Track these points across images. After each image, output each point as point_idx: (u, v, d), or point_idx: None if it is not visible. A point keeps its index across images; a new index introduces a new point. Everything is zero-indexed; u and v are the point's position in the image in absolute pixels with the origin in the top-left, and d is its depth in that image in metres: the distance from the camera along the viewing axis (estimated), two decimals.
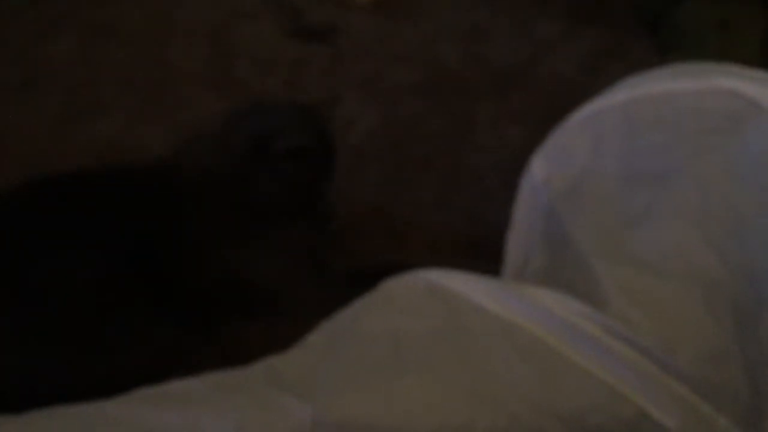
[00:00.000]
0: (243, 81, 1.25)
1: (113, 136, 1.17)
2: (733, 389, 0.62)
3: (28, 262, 0.84)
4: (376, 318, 0.65)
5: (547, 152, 0.77)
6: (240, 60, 1.28)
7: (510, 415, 0.59)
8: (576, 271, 0.68)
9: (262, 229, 0.95)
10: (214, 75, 1.25)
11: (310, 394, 0.60)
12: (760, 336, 0.62)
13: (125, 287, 0.86)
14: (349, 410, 0.59)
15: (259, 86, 1.24)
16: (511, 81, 1.25)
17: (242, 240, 0.93)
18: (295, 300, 0.94)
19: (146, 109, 1.21)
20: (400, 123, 1.20)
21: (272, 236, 0.95)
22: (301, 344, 0.67)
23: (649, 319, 0.62)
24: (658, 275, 0.64)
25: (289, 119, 0.99)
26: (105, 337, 0.85)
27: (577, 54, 1.28)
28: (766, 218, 0.64)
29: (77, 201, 0.89)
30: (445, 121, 1.21)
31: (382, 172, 1.14)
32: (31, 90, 1.22)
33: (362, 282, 0.72)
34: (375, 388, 0.60)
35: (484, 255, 0.89)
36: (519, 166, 0.83)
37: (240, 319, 0.93)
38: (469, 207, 1.11)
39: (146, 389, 0.63)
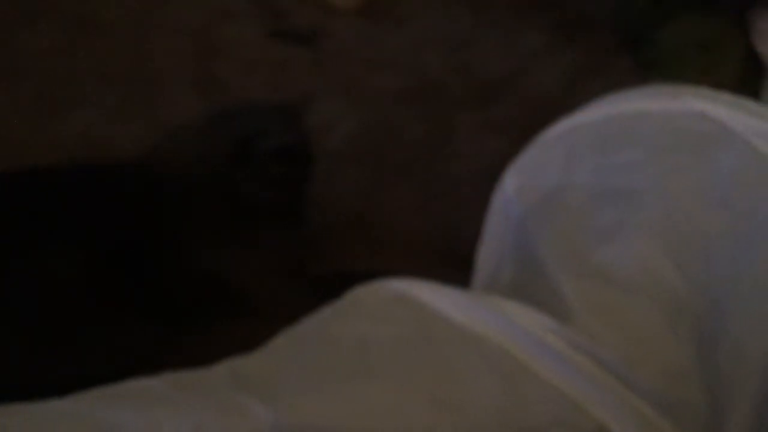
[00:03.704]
0: (224, 81, 1.25)
1: (89, 131, 1.16)
2: (693, 408, 0.62)
3: None
4: (343, 323, 0.65)
5: (520, 166, 0.78)
6: (221, 60, 1.27)
7: (472, 425, 0.60)
8: (542, 285, 0.68)
9: (240, 230, 0.95)
10: (195, 73, 1.25)
11: (272, 396, 0.60)
12: (720, 358, 0.62)
13: (96, 286, 0.86)
14: (310, 414, 0.59)
15: (240, 87, 1.24)
16: (493, 91, 1.26)
17: (220, 241, 0.93)
18: (269, 303, 0.94)
19: (124, 105, 1.20)
20: (380, 129, 1.21)
21: (250, 238, 0.95)
22: (266, 347, 0.67)
23: (612, 333, 0.62)
24: (623, 291, 0.64)
25: (271, 120, 0.99)
26: (73, 336, 0.84)
27: (559, 68, 1.29)
28: (731, 240, 0.65)
29: (49, 197, 0.88)
30: (425, 129, 1.21)
31: (360, 178, 1.15)
32: (5, 81, 1.21)
33: (336, 287, 0.72)
34: (338, 392, 0.60)
35: (460, 264, 0.89)
36: (498, 176, 0.84)
37: (213, 321, 0.93)
38: (447, 215, 1.11)
39: (105, 387, 0.62)
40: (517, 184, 0.77)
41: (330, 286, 0.72)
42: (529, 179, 0.76)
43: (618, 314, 0.64)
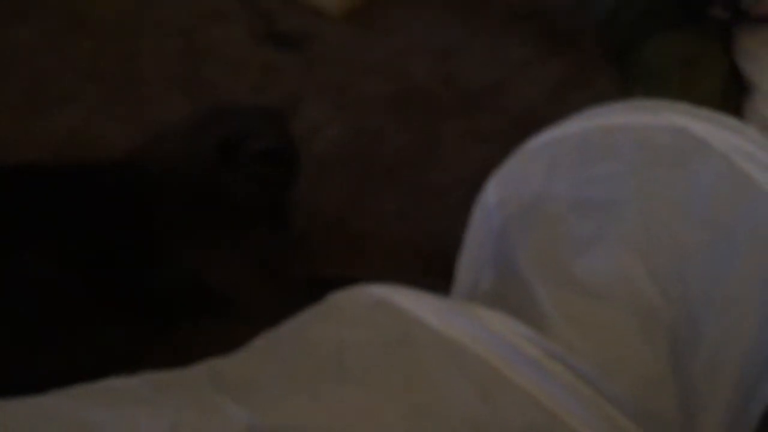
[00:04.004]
0: (211, 82, 1.25)
1: (75, 130, 1.16)
2: (667, 417, 0.63)
3: None
4: (321, 327, 0.66)
5: (502, 176, 0.79)
6: (210, 61, 1.28)
7: (447, 431, 0.60)
8: (521, 294, 0.69)
9: (223, 232, 0.95)
10: (183, 74, 1.25)
11: (248, 397, 0.60)
12: (695, 368, 0.63)
13: (78, 286, 0.86)
14: (286, 415, 0.59)
15: (228, 89, 1.24)
16: (478, 101, 1.27)
17: (203, 242, 0.93)
18: (251, 305, 0.94)
19: (111, 104, 1.20)
20: (365, 135, 1.21)
21: (233, 240, 0.95)
22: (245, 349, 0.67)
23: (588, 343, 0.63)
24: (599, 301, 0.65)
25: (258, 122, 0.99)
26: (56, 333, 0.84)
27: (544, 80, 1.30)
28: (706, 253, 0.66)
29: (34, 195, 0.88)
30: (410, 136, 1.22)
31: (344, 183, 1.15)
32: None
33: (317, 291, 0.72)
34: (314, 394, 0.61)
35: (441, 271, 0.89)
36: (481, 184, 0.84)
37: (194, 322, 0.93)
38: (430, 222, 1.12)
39: (85, 385, 0.62)
40: (498, 195, 0.78)
41: (312, 290, 0.73)
42: (510, 190, 0.77)
43: (594, 323, 0.65)
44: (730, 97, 1.20)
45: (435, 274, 0.94)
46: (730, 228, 0.67)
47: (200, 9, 1.35)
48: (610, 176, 0.72)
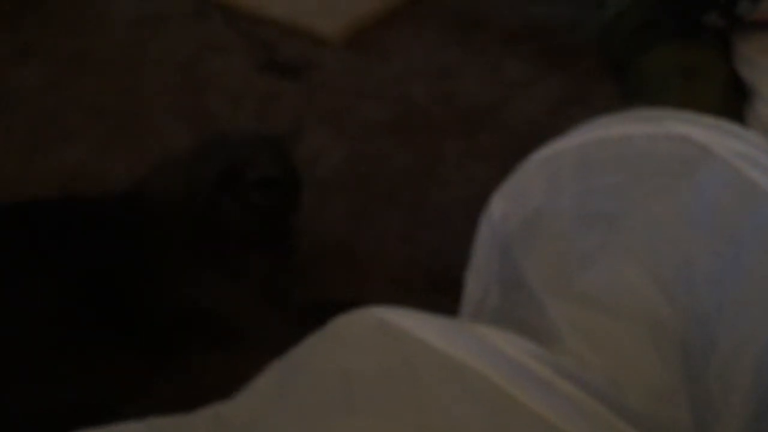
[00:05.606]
0: (213, 113, 1.26)
1: (80, 165, 1.16)
2: (681, 429, 0.62)
3: None
4: (326, 356, 0.65)
5: (505, 192, 0.78)
6: (211, 92, 1.29)
7: None
8: (529, 309, 0.68)
9: (225, 259, 0.94)
10: (185, 106, 1.26)
11: None
12: (708, 378, 0.62)
13: (82, 318, 0.86)
14: None
15: (229, 118, 1.24)
16: (478, 120, 1.27)
17: (204, 270, 0.93)
18: (254, 332, 0.94)
19: (114, 139, 1.21)
20: (367, 158, 1.21)
21: (235, 267, 0.95)
22: (249, 389, 0.66)
23: (599, 356, 0.62)
24: (608, 313, 0.65)
25: (258, 150, 0.99)
26: (60, 369, 0.84)
27: (543, 97, 1.31)
28: (714, 261, 0.65)
29: (36, 229, 0.88)
30: (411, 158, 1.22)
31: (347, 207, 1.15)
32: None
33: (322, 316, 0.72)
34: (324, 428, 0.59)
35: (446, 291, 0.89)
36: (484, 203, 0.84)
37: (198, 350, 0.92)
38: (434, 243, 1.11)
39: (90, 430, 0.61)
40: (502, 209, 0.77)
41: (316, 315, 0.72)
42: (513, 205, 0.77)
43: (604, 337, 0.64)
44: (732, 103, 1.20)
45: (440, 293, 0.93)
46: (736, 234, 0.66)
47: (200, 41, 1.37)
48: (612, 187, 0.71)
